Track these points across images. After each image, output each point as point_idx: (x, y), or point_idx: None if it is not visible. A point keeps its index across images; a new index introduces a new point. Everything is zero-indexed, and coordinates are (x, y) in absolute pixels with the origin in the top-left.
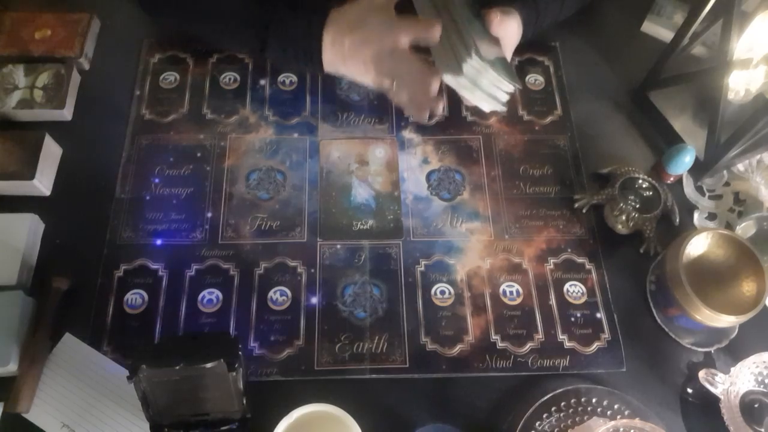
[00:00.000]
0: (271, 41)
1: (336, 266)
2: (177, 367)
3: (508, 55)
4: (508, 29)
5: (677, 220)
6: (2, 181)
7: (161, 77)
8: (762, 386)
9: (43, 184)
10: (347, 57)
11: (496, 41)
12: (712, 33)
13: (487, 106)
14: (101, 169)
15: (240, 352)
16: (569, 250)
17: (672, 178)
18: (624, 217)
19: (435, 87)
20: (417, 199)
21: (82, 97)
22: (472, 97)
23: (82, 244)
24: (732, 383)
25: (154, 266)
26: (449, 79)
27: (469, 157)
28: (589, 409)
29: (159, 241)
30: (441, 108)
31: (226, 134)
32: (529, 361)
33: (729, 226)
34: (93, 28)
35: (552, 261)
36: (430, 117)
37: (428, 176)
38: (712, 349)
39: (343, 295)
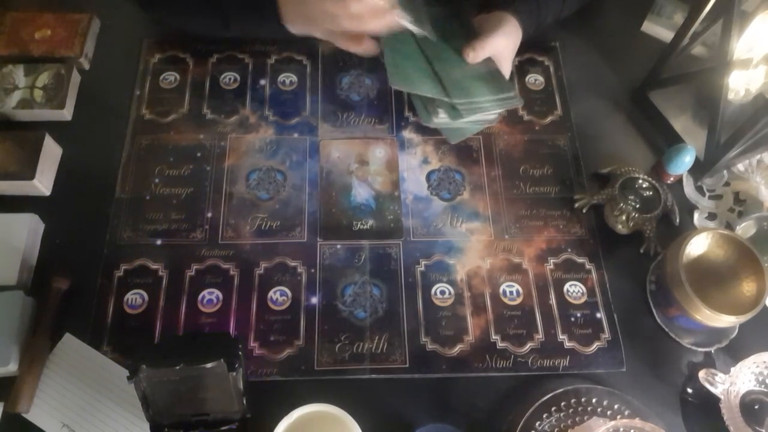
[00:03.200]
0: (231, 16)
1: (336, 266)
2: (177, 367)
3: (507, 65)
4: (500, 48)
5: (677, 220)
6: (2, 181)
7: (161, 77)
8: (762, 386)
9: (43, 184)
10: (300, 11)
11: (487, 59)
12: (712, 33)
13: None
14: (101, 169)
15: (240, 352)
16: (569, 250)
17: (672, 178)
18: (624, 217)
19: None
20: (417, 199)
21: (82, 97)
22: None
23: (82, 244)
24: (732, 383)
25: (154, 266)
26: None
27: (469, 157)
28: (589, 409)
29: (159, 241)
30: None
31: (226, 134)
32: (529, 361)
33: (729, 226)
34: (93, 28)
35: (552, 261)
36: None
37: (428, 176)
38: (712, 349)
39: (343, 295)
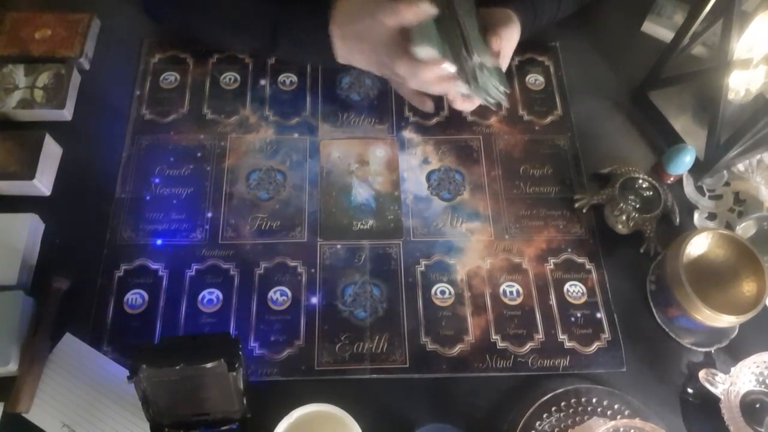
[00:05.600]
0: (281, 41)
1: (336, 266)
2: (177, 367)
3: (507, 60)
4: (511, 41)
5: (677, 220)
6: (2, 181)
7: (161, 77)
8: (762, 386)
9: (43, 184)
10: (354, 50)
11: (494, 53)
12: (712, 33)
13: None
14: (101, 169)
15: (240, 352)
16: (569, 250)
17: (672, 178)
18: (624, 217)
19: (429, 79)
20: (417, 199)
21: (82, 97)
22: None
23: (82, 244)
24: (732, 383)
25: (154, 266)
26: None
27: (470, 157)
28: (589, 409)
29: (159, 241)
30: (431, 106)
31: (226, 134)
32: (529, 361)
33: (729, 226)
34: (93, 28)
35: (552, 261)
36: (431, 115)
37: (428, 176)
38: (712, 349)
39: (343, 295)
